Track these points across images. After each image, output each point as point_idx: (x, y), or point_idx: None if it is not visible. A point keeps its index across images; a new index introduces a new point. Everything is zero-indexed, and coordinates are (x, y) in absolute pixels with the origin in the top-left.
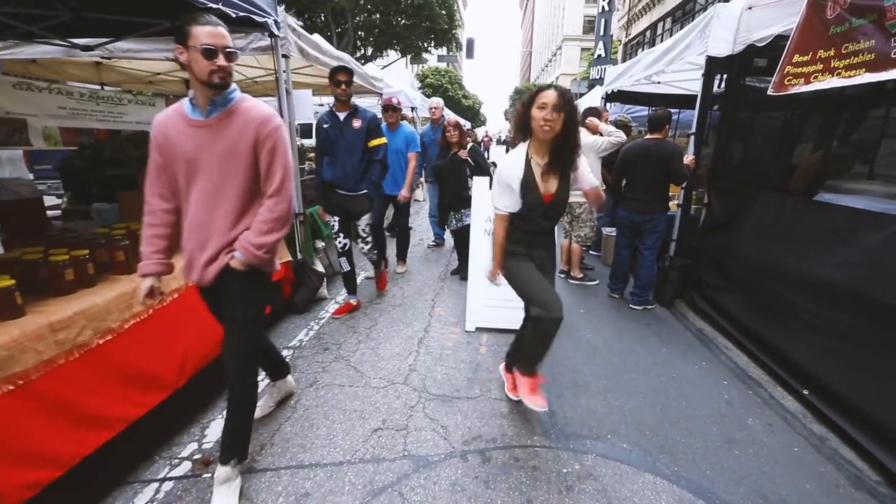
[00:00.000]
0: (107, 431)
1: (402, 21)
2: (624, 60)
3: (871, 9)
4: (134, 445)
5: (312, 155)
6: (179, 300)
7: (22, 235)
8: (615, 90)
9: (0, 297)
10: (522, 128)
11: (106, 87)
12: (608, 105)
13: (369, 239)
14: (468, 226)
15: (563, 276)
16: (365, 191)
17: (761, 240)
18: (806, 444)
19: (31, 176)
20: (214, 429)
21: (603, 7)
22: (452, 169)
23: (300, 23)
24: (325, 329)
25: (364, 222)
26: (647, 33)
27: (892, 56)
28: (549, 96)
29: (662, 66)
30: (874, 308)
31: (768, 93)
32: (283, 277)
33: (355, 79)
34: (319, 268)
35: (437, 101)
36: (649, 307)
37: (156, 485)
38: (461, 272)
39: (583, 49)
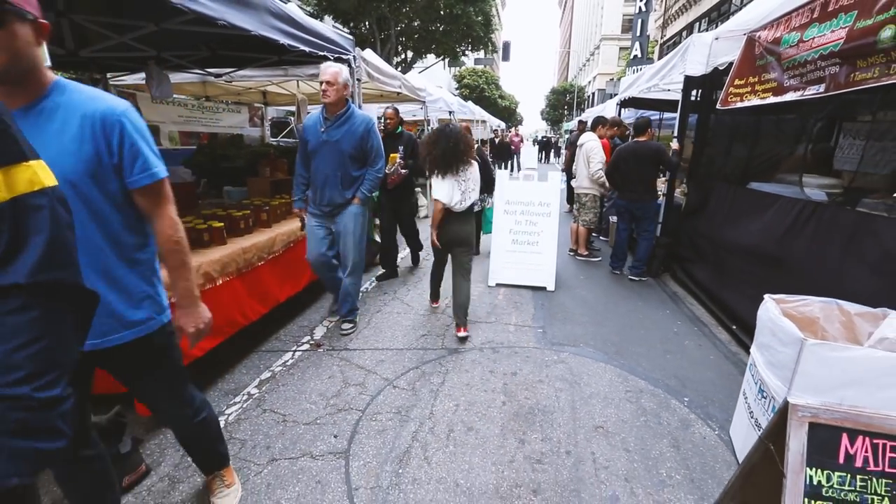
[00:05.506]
0: (268, 306)
1: (441, 28)
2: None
3: (775, 51)
4: (268, 333)
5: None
6: (296, 246)
7: (182, 208)
8: (628, 97)
9: (215, 232)
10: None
11: (208, 99)
12: (623, 111)
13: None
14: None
15: (571, 253)
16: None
17: (716, 219)
18: (721, 356)
19: None
20: (318, 332)
21: (640, 7)
22: None
23: (346, 30)
24: (384, 282)
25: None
26: (683, 34)
27: (785, 85)
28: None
29: (657, 80)
30: (766, 260)
31: (717, 107)
32: None
33: (405, 91)
34: (377, 238)
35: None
36: (643, 279)
37: (289, 354)
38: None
39: (621, 48)
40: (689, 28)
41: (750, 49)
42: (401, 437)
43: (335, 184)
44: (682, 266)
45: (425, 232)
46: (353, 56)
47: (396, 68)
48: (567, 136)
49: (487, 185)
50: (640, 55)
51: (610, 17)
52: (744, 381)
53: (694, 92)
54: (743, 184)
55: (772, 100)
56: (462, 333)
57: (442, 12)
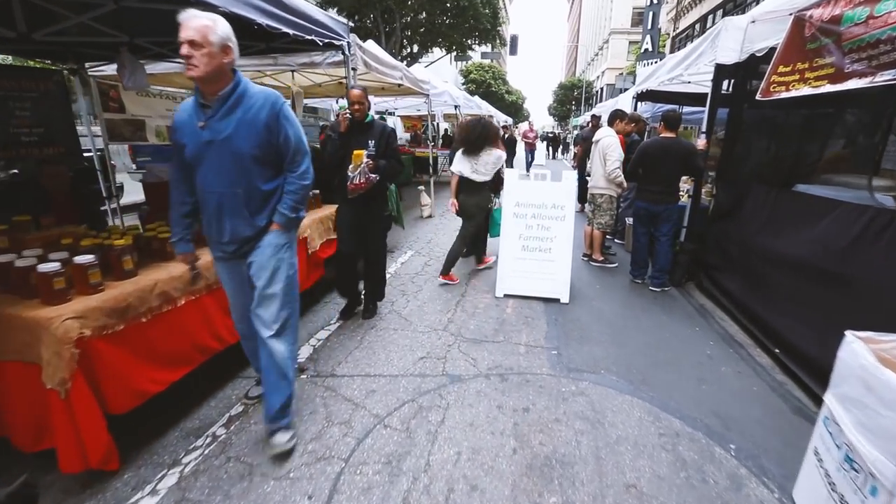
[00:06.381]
0: None
1: (447, 20)
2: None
3: (833, 31)
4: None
5: None
6: None
7: (162, 209)
8: (645, 90)
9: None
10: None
11: None
12: (640, 104)
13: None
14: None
15: (585, 259)
16: None
17: (751, 224)
18: (765, 386)
19: (133, 166)
20: (304, 352)
21: (651, 0)
22: None
23: (351, 24)
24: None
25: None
26: (697, 27)
27: (846, 71)
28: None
29: (681, 70)
30: (824, 277)
31: (756, 97)
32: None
33: (407, 83)
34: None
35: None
36: (666, 289)
37: None
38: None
39: (630, 42)
40: (703, 20)
41: (798, 31)
42: (390, 500)
43: (236, 207)
44: (710, 275)
45: (423, 237)
46: (347, 42)
47: (402, 63)
48: (577, 131)
49: (495, 185)
50: (650, 49)
51: (619, 11)
52: (814, 437)
53: (725, 83)
54: (787, 186)
55: (828, 88)
56: (441, 280)
57: (448, 4)
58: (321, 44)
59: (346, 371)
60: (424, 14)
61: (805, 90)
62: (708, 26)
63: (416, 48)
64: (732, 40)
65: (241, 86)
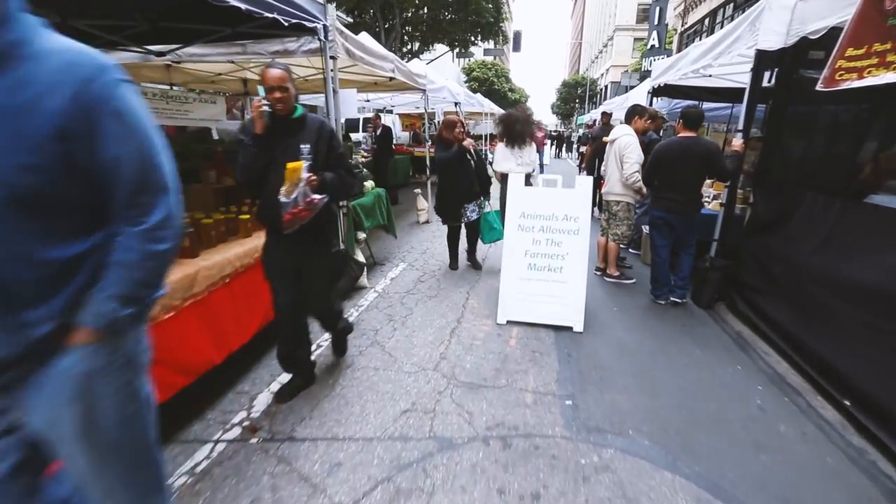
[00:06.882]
0: (190, 375)
1: (449, 16)
2: (679, 51)
3: None
4: (190, 410)
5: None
6: (234, 281)
7: None
8: (662, 84)
9: None
10: None
11: (174, 87)
12: (655, 100)
13: None
14: (477, 220)
15: (598, 273)
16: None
17: (806, 242)
18: (841, 456)
19: None
20: (261, 400)
21: None
22: (460, 163)
23: (350, 19)
24: (364, 316)
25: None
26: (706, 21)
27: None
28: None
29: (710, 59)
30: None
31: (817, 88)
32: None
33: (399, 76)
34: (360, 258)
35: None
36: (684, 301)
37: (208, 447)
38: (472, 261)
39: (635, 39)
40: (713, 14)
41: (873, 3)
42: None
43: None
44: (746, 296)
45: (418, 246)
46: (324, 25)
47: (403, 59)
48: (582, 129)
49: (483, 186)
50: (657, 45)
51: (624, 7)
52: None
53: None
54: (857, 197)
55: None
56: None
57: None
58: (286, 24)
59: (308, 433)
60: (426, 9)
61: (888, 76)
62: (718, 21)
63: (416, 45)
64: (777, 21)
65: (20, 30)
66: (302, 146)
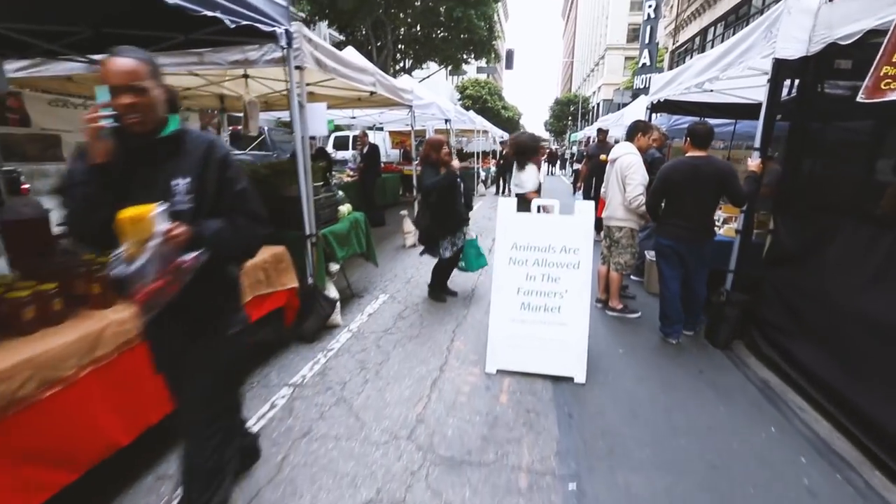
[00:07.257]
0: (76, 471)
1: (442, 34)
2: (671, 69)
3: None
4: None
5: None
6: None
7: (27, 255)
8: (661, 100)
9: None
10: None
11: None
12: (654, 116)
13: None
14: (461, 248)
15: (599, 306)
16: None
17: (845, 277)
18: None
19: None
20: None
21: (648, 14)
22: (451, 187)
23: (342, 37)
24: (332, 363)
25: None
26: (697, 40)
27: None
28: None
29: (717, 71)
30: None
31: (858, 99)
32: (284, 305)
33: (381, 91)
34: (333, 293)
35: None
36: (689, 333)
37: None
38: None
39: (626, 58)
40: (704, 33)
41: None
42: None
43: None
44: (769, 336)
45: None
46: (285, 30)
47: (395, 77)
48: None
49: (467, 203)
50: (648, 63)
51: (615, 27)
52: None
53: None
54: None
55: None
56: None
57: (442, 17)
58: (232, 26)
59: None
60: (419, 27)
61: None
62: (708, 39)
63: (409, 63)
64: (797, 27)
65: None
66: (173, 182)
